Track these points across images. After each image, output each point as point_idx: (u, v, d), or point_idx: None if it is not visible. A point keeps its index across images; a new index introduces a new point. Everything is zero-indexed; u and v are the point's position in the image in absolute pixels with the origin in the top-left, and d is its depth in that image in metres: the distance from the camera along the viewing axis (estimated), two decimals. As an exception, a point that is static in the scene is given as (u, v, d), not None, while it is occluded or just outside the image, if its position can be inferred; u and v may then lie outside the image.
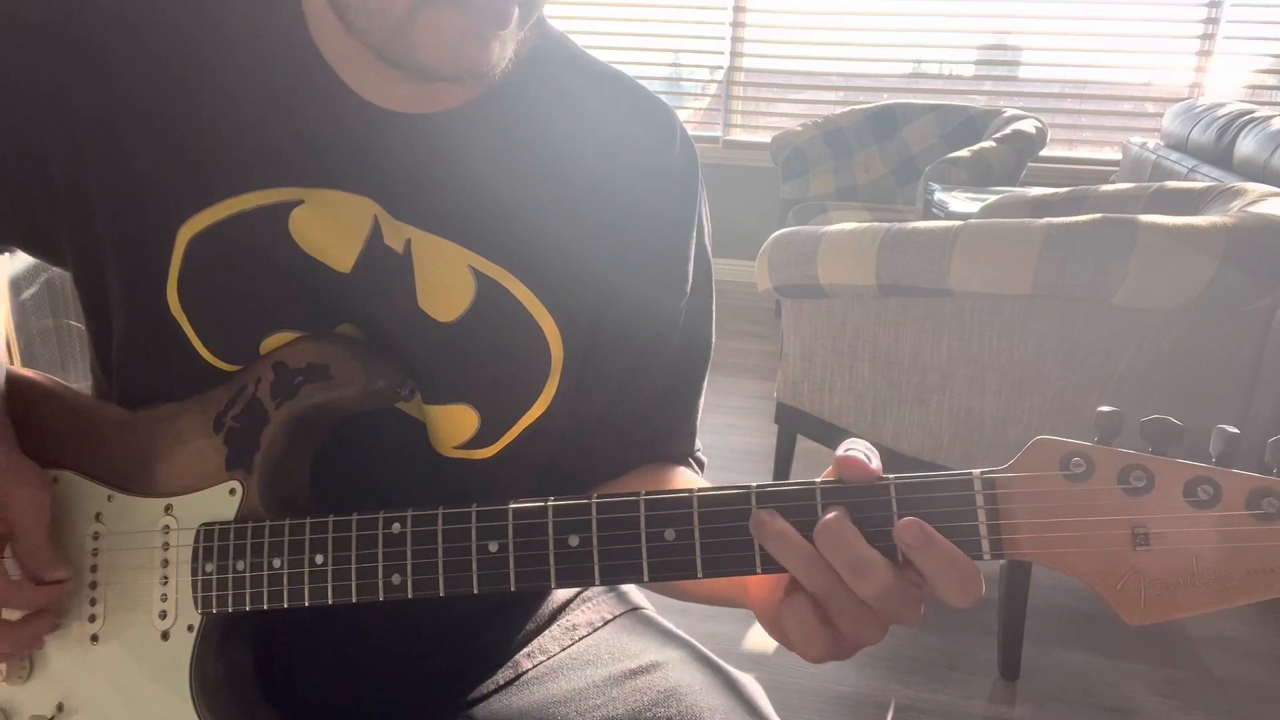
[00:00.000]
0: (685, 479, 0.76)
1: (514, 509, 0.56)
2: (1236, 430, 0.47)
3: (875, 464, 0.52)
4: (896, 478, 0.51)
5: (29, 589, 0.63)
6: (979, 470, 0.50)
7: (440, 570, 0.57)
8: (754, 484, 0.53)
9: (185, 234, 0.63)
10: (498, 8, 0.55)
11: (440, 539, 0.57)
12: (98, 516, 0.65)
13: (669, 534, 0.53)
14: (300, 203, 0.63)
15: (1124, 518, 0.48)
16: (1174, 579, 0.47)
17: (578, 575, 0.55)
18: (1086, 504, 0.48)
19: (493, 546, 0.56)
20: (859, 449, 0.52)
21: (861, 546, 0.50)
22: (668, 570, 0.53)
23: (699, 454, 0.81)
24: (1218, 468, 0.47)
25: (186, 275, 0.63)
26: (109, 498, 0.65)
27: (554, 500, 0.56)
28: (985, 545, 0.50)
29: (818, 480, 0.53)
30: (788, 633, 0.53)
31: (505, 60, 0.59)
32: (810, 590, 0.51)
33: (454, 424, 0.67)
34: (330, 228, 0.63)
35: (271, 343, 0.64)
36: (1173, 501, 0.47)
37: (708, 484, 0.66)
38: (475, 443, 0.68)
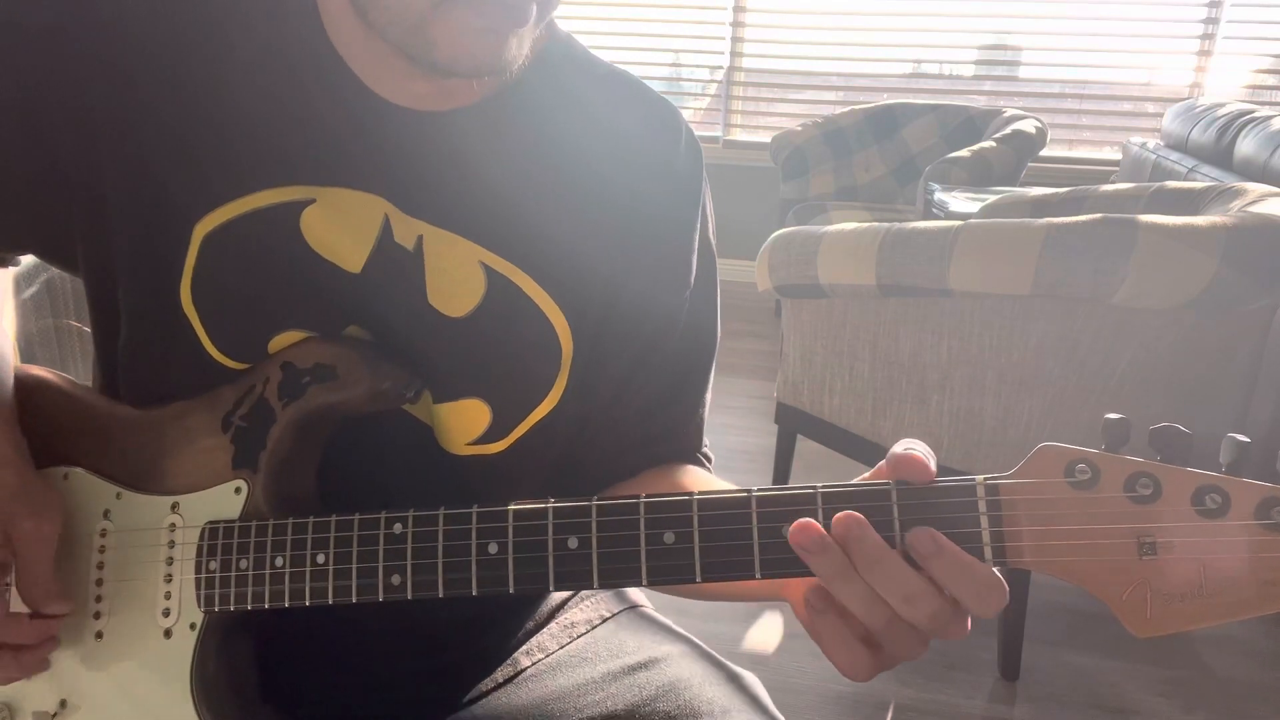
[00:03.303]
0: (700, 477, 0.76)
1: (514, 510, 0.56)
2: (1247, 439, 0.46)
3: (933, 465, 0.51)
4: (898, 483, 0.51)
5: (25, 623, 0.62)
6: (982, 476, 0.50)
7: (440, 571, 0.57)
8: (754, 488, 0.53)
9: (200, 231, 0.63)
10: (516, 4, 0.55)
11: (440, 539, 0.57)
12: (106, 514, 0.65)
13: (668, 537, 0.53)
14: (312, 201, 0.63)
15: (1130, 526, 0.47)
16: (1181, 590, 0.46)
17: (576, 578, 0.55)
18: (1092, 512, 0.47)
19: (492, 548, 0.56)
20: (919, 449, 0.51)
21: (913, 577, 0.49)
22: (666, 574, 0.53)
23: (707, 450, 0.82)
24: (1227, 476, 0.46)
25: (200, 273, 0.64)
26: (117, 495, 0.65)
27: (554, 502, 0.56)
28: (988, 553, 0.49)
29: (819, 485, 0.52)
30: (833, 657, 0.52)
31: (522, 57, 0.59)
32: (868, 623, 0.50)
33: (466, 420, 0.67)
34: (341, 228, 0.63)
35: (280, 342, 0.64)
36: (1180, 510, 0.46)
37: (719, 481, 0.66)
38: (487, 438, 0.68)
